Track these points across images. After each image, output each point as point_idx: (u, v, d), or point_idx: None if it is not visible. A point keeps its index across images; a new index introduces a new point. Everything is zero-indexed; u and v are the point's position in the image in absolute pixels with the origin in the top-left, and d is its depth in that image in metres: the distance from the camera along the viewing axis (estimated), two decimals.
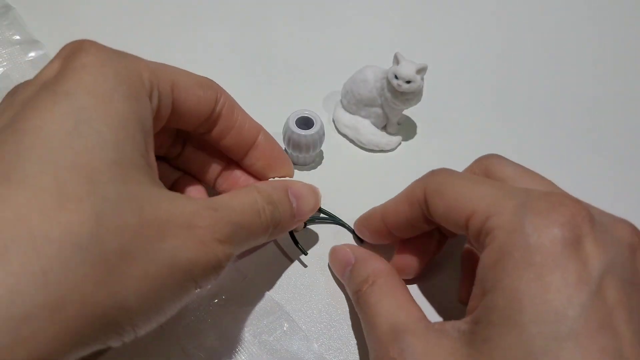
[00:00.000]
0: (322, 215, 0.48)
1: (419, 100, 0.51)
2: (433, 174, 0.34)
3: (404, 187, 0.55)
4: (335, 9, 0.69)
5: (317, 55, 0.63)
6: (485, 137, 0.57)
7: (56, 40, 0.62)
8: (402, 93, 0.50)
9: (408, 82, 0.49)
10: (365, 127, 0.54)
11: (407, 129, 0.56)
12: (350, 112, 0.55)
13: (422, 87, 0.50)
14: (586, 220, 0.24)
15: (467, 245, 0.40)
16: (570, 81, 0.64)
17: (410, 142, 0.56)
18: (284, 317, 0.42)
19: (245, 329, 0.41)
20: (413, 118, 0.57)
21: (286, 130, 0.49)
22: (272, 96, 0.58)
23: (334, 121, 0.56)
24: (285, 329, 0.41)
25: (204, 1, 0.68)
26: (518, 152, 0.56)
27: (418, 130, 0.56)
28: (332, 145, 0.54)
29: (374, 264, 0.36)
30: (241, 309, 0.42)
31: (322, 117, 0.51)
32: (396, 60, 0.49)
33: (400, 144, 0.55)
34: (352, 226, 0.47)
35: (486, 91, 0.61)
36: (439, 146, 0.56)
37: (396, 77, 0.49)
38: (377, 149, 0.54)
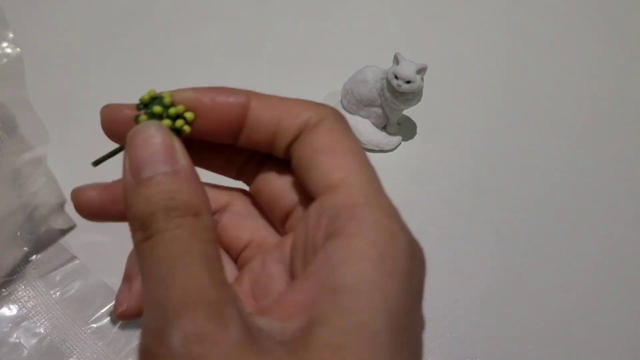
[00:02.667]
0: None
1: (418, 100, 0.51)
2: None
3: (404, 187, 0.56)
4: (334, 9, 0.69)
5: (316, 55, 0.63)
6: (485, 137, 0.57)
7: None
8: (402, 93, 0.50)
9: (408, 82, 0.49)
10: (366, 127, 0.54)
11: (407, 129, 0.56)
12: (350, 112, 0.55)
13: (422, 87, 0.50)
14: None
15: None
16: (571, 82, 0.63)
17: (410, 142, 0.56)
18: None
19: None
20: (413, 118, 0.57)
21: None
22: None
23: None
24: None
25: (202, 1, 0.67)
26: (518, 151, 0.56)
27: (418, 130, 0.56)
28: None
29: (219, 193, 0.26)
30: None
31: None
32: (396, 61, 0.49)
33: (400, 144, 0.55)
34: None
35: (486, 91, 0.61)
36: (439, 146, 0.55)
37: (396, 77, 0.49)
38: (377, 148, 0.54)
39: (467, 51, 0.65)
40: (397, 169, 0.54)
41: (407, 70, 0.48)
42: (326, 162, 0.21)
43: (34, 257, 0.46)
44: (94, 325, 0.43)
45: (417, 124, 0.57)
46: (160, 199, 0.19)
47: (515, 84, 0.63)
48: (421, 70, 0.49)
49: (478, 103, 0.60)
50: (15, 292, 0.44)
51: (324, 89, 0.59)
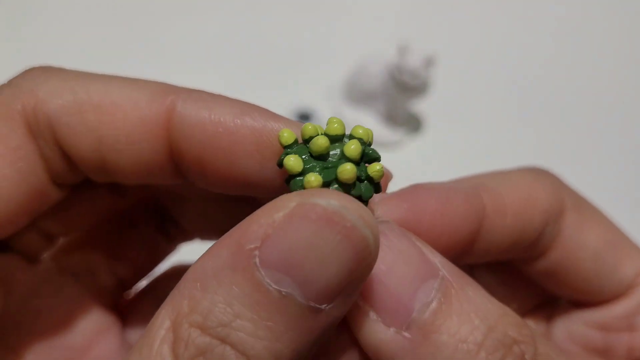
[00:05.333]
0: None
1: (425, 94, 0.50)
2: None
3: (409, 184, 0.54)
4: None
5: (318, 48, 0.62)
6: (496, 134, 0.55)
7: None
8: (407, 87, 0.49)
9: (413, 75, 0.48)
10: (369, 123, 0.53)
11: (412, 125, 0.55)
12: (353, 107, 0.54)
13: (428, 81, 0.49)
14: None
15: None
16: (587, 78, 0.62)
17: (415, 137, 0.55)
18: None
19: None
20: (418, 113, 0.56)
21: None
22: (271, 91, 0.57)
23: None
24: None
25: None
26: (529, 147, 0.54)
27: (423, 126, 0.55)
28: None
29: None
30: None
31: (323, 113, 0.51)
32: (401, 53, 0.48)
33: (405, 140, 0.54)
34: None
35: (496, 84, 0.60)
36: (446, 142, 0.55)
37: (401, 70, 0.48)
38: (380, 144, 0.53)
39: (476, 41, 0.64)
40: (401, 166, 0.52)
41: (412, 62, 0.47)
42: (608, 261, 0.19)
43: None
44: None
45: (423, 120, 0.56)
46: (481, 340, 0.12)
47: (528, 76, 0.61)
48: (427, 63, 0.48)
49: (487, 97, 0.59)
50: None
51: (326, 83, 0.58)
